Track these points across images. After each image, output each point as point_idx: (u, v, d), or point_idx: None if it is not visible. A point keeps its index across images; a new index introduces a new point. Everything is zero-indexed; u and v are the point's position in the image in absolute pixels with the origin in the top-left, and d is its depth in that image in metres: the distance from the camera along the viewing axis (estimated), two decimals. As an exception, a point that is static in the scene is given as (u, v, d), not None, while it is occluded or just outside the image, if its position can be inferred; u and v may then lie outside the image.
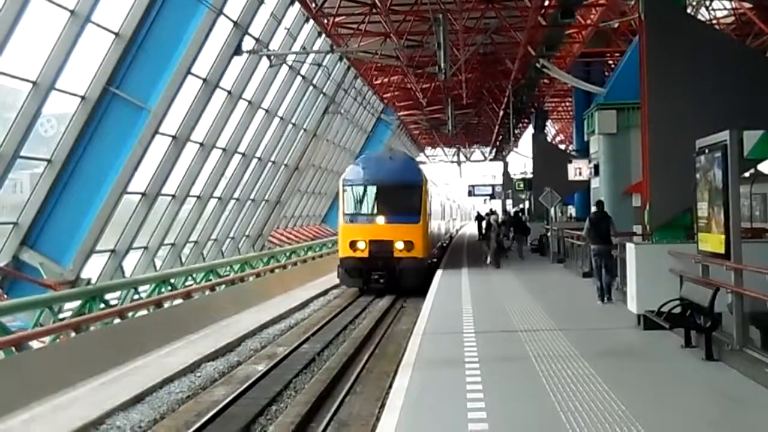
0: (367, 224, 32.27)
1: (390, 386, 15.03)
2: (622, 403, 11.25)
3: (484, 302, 23.87)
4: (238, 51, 31.76)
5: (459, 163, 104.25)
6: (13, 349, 18.73)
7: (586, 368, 13.64)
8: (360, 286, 33.22)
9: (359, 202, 33.12)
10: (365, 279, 32.29)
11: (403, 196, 32.91)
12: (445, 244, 56.20)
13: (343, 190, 33.93)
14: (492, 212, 47.86)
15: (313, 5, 34.05)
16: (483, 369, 13.89)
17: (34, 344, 20.00)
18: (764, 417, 10.41)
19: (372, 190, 33.07)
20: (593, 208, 24.59)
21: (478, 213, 66.73)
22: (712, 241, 14.68)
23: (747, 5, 35.36)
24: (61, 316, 22.88)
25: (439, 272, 32.13)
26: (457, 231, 79.41)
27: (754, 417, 10.51)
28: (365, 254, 31.71)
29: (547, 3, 30.73)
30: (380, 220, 32.11)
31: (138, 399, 16.63)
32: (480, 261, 39.58)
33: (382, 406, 13.92)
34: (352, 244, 32.01)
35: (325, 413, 15.42)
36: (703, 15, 37.75)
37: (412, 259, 31.29)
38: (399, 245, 31.35)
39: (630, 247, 18.83)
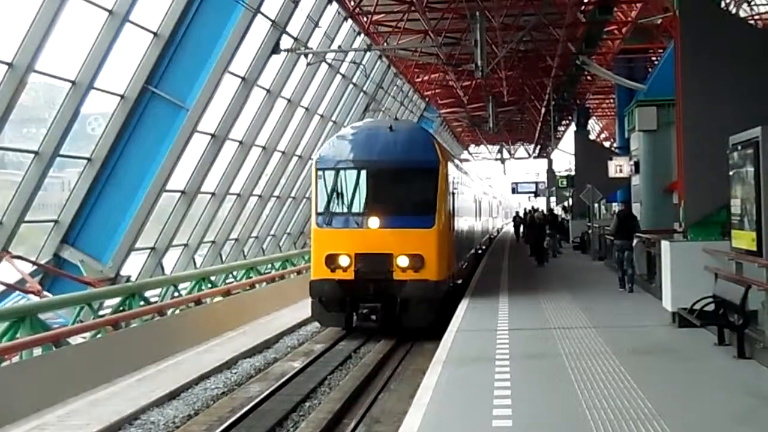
0: (353, 230, 20.31)
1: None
2: (649, 401, 11.20)
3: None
4: (276, 50, 31.86)
5: (503, 160, 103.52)
6: (53, 345, 19.05)
7: (616, 365, 13.60)
8: (342, 325, 21.30)
9: (340, 195, 20.67)
10: (349, 313, 20.57)
11: (408, 185, 21.03)
12: (480, 251, 45.46)
13: (317, 177, 21.30)
14: (534, 210, 47.48)
15: (351, 3, 33.88)
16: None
17: (74, 340, 20.32)
18: None
19: (360, 177, 20.74)
20: (620, 207, 26.49)
21: (516, 213, 63.83)
22: (745, 239, 14.69)
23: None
24: (100, 313, 23.18)
25: (464, 303, 20.63)
26: (498, 231, 68.10)
27: None
28: (349, 276, 19.86)
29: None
30: (373, 223, 19.97)
31: (173, 395, 16.60)
32: (521, 271, 34.16)
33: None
34: (330, 261, 20.11)
35: (357, 410, 15.43)
36: (745, 10, 37.49)
37: (421, 283, 19.25)
38: (402, 262, 19.58)
39: (665, 245, 18.78)
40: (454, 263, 23.13)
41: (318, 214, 20.66)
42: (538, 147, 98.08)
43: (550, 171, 73.13)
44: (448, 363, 14.60)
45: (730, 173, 15.39)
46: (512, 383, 12.58)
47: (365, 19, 36.85)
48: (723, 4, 24.11)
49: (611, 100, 63.72)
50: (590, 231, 40.52)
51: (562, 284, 27.54)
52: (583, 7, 31.60)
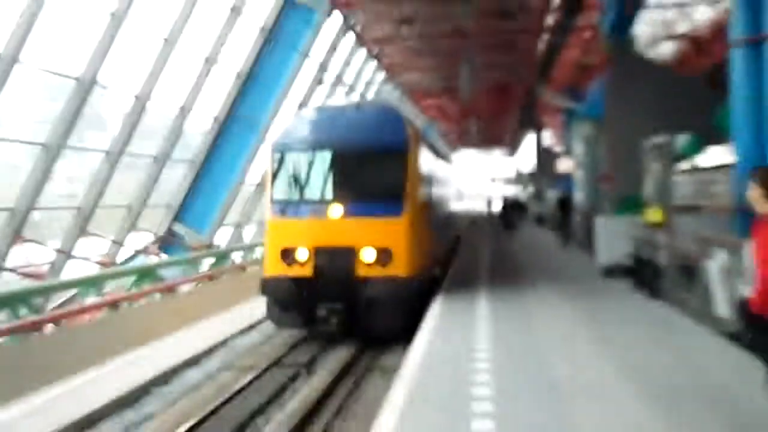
0: (312, 220, 14.01)
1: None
2: (582, 324, 11.52)
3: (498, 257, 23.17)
4: (320, 82, 32.18)
5: (481, 159, 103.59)
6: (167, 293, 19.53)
7: (562, 301, 13.74)
8: (298, 326, 14.45)
9: (298, 181, 14.39)
10: (307, 314, 13.94)
11: (374, 169, 14.42)
12: (450, 248, 30.23)
13: (272, 161, 15.10)
14: (511, 199, 47.70)
15: (375, 50, 34.05)
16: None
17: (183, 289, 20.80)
18: (685, 336, 10.58)
19: (319, 160, 14.48)
20: (559, 194, 27.77)
21: (497, 197, 59.52)
22: (655, 215, 15.00)
23: (684, 46, 35.27)
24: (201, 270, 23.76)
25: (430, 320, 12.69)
26: (471, 222, 49.70)
27: (678, 337, 10.64)
28: (307, 272, 13.73)
29: (540, 45, 30.65)
30: (334, 212, 13.86)
31: (251, 327, 15.86)
32: (495, 233, 35.44)
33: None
34: (286, 255, 13.97)
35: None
36: (657, 51, 37.57)
37: (389, 280, 13.25)
38: (367, 256, 13.58)
39: (599, 219, 19.06)
40: (430, 254, 15.94)
41: (273, 202, 14.01)
42: (512, 149, 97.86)
43: (518, 168, 73.35)
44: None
45: (643, 168, 15.72)
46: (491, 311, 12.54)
47: (386, 59, 36.95)
48: (640, 47, 24.29)
49: (559, 117, 63.89)
50: (542, 211, 40.95)
51: (522, 244, 27.79)
52: (539, 46, 31.52)
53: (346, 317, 12.94)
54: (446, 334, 11.44)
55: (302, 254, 13.35)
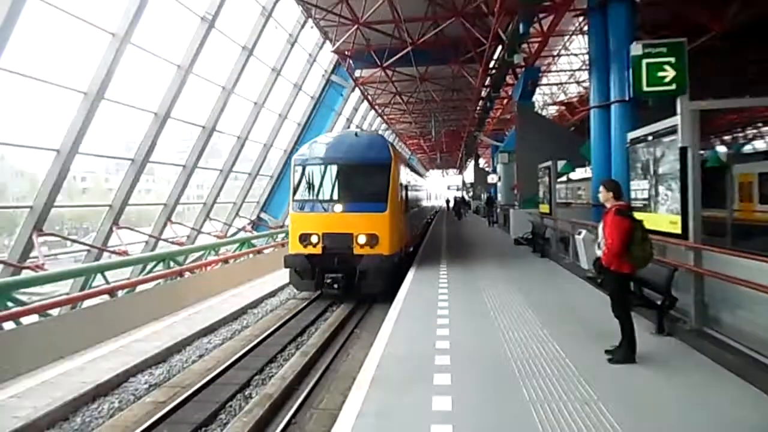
0: (322, 214, 12.82)
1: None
2: (503, 267, 11.58)
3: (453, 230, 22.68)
4: (348, 127, 32.10)
5: (443, 175, 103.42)
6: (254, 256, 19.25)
7: (489, 257, 13.66)
8: (312, 290, 13.09)
9: (312, 185, 13.27)
10: (318, 281, 12.77)
11: (366, 178, 13.32)
12: (431, 219, 33.74)
13: (294, 171, 13.74)
14: (459, 198, 47.58)
15: (380, 110, 33.62)
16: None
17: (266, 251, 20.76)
18: (561, 279, 10.60)
19: (327, 171, 13.38)
20: (486, 196, 28.34)
21: (452, 198, 59.22)
22: (545, 208, 15.12)
23: (562, 108, 35.35)
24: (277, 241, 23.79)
25: (411, 273, 12.42)
26: (436, 213, 45.87)
27: (557, 279, 10.63)
28: (318, 251, 12.57)
29: (477, 107, 30.41)
30: (337, 208, 12.72)
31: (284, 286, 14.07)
32: (450, 221, 34.12)
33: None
34: (303, 238, 12.72)
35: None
36: (546, 111, 37.61)
37: (376, 257, 12.13)
38: (360, 239, 12.44)
39: (512, 211, 19.19)
40: (405, 238, 14.16)
41: (294, 201, 12.70)
42: (459, 169, 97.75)
43: (463, 180, 73.25)
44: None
45: (538, 180, 15.83)
46: (449, 276, 12.31)
47: (386, 116, 36.62)
48: (537, 108, 24.33)
49: (489, 150, 63.91)
50: (479, 206, 40.87)
51: (467, 226, 27.22)
52: (476, 110, 31.17)
53: (346, 283, 11.72)
54: (420, 274, 11.55)
55: (315, 238, 11.93)
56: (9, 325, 9.11)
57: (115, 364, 7.71)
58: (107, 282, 12.67)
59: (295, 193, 12.41)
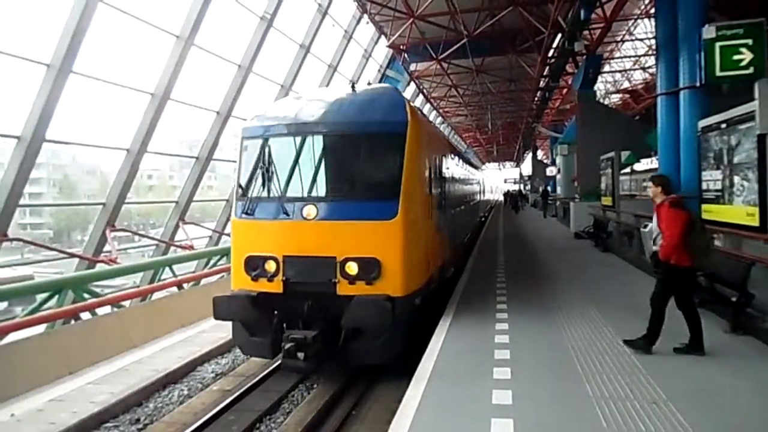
0: (283, 221, 5.58)
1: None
2: (564, 262, 11.25)
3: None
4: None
5: (500, 168, 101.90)
6: None
7: (552, 251, 13.42)
8: (266, 355, 5.91)
9: (268, 173, 5.65)
10: (275, 340, 5.54)
11: (363, 158, 5.77)
12: (483, 218, 25.54)
13: (242, 150, 6.36)
14: (516, 191, 46.93)
15: (436, 104, 33.34)
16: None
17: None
18: (624, 273, 10.26)
19: (295, 148, 5.74)
20: (541, 189, 28.74)
21: (509, 191, 52.80)
22: (607, 200, 14.74)
23: (626, 96, 34.08)
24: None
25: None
26: (491, 208, 36.95)
27: (620, 273, 10.33)
28: (276, 287, 5.52)
29: (535, 98, 29.78)
30: (309, 211, 5.46)
31: None
32: (508, 214, 33.46)
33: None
34: (252, 265, 5.73)
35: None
36: (609, 100, 36.41)
37: (377, 300, 4.97)
38: (350, 268, 5.32)
39: (572, 204, 18.79)
40: (439, 258, 8.07)
41: (238, 200, 6.60)
42: (516, 162, 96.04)
43: (520, 173, 71.76)
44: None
45: (600, 172, 15.42)
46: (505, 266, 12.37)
47: (442, 110, 36.40)
48: (598, 97, 23.64)
49: (548, 142, 62.47)
50: (536, 199, 40.08)
51: (523, 218, 27.02)
52: (534, 99, 30.51)
53: (322, 347, 6.00)
54: (480, 258, 11.48)
55: (270, 265, 5.48)
56: (86, 316, 9.64)
57: (183, 353, 8.08)
58: (174, 275, 13.18)
59: (240, 187, 6.86)
